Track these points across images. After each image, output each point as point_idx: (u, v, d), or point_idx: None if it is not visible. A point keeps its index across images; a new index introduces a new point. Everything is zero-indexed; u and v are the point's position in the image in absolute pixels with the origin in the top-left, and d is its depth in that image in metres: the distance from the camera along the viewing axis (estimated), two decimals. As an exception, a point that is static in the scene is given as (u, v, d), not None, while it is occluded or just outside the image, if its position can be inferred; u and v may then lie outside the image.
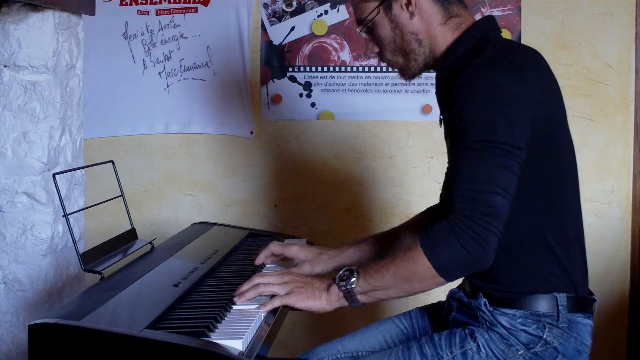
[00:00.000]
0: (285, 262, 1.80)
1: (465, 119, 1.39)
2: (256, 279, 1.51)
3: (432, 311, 1.76)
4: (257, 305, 1.45)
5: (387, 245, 1.81)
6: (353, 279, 1.44)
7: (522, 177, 1.39)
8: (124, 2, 2.87)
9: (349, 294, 1.45)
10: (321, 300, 1.47)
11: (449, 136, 1.53)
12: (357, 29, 1.61)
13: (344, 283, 1.45)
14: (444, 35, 1.54)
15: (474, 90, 1.39)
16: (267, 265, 1.80)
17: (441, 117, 1.60)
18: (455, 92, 1.42)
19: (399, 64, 1.59)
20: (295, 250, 1.75)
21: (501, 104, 1.37)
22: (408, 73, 1.60)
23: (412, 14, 1.52)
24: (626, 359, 2.90)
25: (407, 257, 1.38)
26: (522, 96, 1.39)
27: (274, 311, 1.46)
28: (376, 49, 1.60)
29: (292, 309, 1.50)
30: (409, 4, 1.52)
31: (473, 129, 1.38)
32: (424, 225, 1.75)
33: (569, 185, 1.52)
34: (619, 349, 2.90)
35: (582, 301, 1.50)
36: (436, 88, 1.64)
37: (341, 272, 1.47)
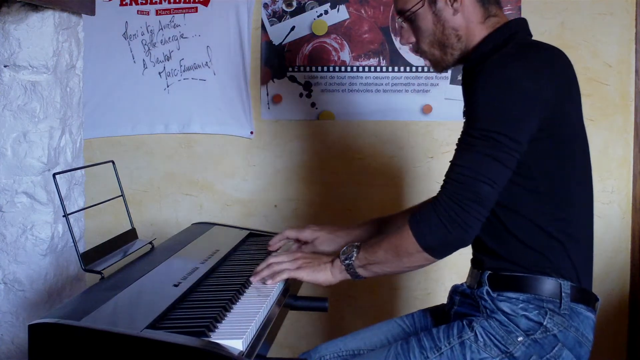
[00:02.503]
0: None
1: (472, 105, 1.45)
2: (270, 259, 1.66)
3: (434, 312, 1.77)
4: (258, 305, 1.45)
5: (391, 226, 1.88)
6: (353, 253, 1.55)
7: (527, 169, 1.45)
8: (124, 2, 2.87)
9: (349, 267, 1.56)
10: (326, 273, 1.59)
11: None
12: (397, 19, 1.65)
13: (345, 256, 1.57)
14: (480, 33, 1.58)
15: (487, 80, 1.44)
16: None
17: (464, 109, 1.63)
18: (472, 81, 1.47)
19: (434, 56, 1.64)
20: (308, 232, 1.88)
21: (509, 95, 1.42)
22: (441, 65, 1.65)
23: (455, 11, 1.57)
24: (626, 359, 2.90)
25: (397, 234, 1.49)
26: (532, 91, 1.43)
27: (273, 311, 1.46)
28: (412, 39, 1.65)
29: (301, 286, 1.62)
30: (454, 0, 1.56)
31: (477, 115, 1.43)
32: None
33: (578, 181, 1.54)
34: (619, 349, 2.90)
35: (585, 293, 1.51)
36: (462, 79, 1.67)
37: (345, 247, 1.58)
